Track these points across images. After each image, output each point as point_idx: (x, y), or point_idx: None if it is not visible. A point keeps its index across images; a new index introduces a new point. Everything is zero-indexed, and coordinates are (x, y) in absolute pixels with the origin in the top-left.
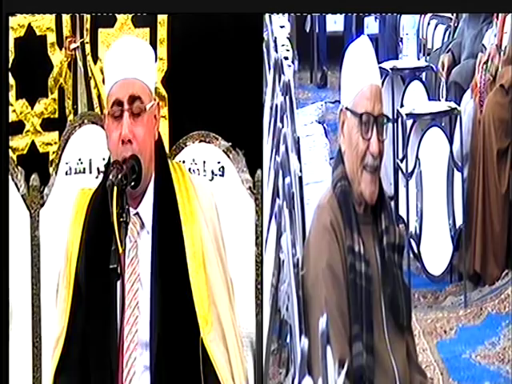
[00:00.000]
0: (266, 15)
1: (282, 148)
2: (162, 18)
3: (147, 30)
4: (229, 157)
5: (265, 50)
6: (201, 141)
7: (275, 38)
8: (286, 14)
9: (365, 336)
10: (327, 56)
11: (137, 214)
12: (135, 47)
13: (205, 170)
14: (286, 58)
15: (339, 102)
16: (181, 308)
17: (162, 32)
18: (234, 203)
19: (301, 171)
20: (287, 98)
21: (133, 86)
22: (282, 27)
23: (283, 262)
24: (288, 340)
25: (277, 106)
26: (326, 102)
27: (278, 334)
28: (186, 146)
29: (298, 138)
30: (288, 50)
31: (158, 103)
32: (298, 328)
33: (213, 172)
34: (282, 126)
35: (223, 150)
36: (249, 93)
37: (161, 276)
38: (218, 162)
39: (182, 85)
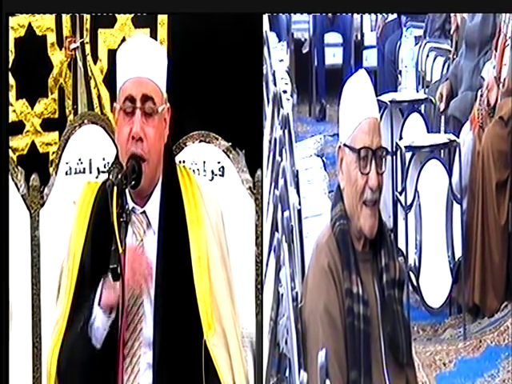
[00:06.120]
0: (265, 49)
1: (281, 181)
2: (162, 19)
3: (147, 30)
4: (229, 157)
5: (264, 83)
6: (201, 141)
7: (274, 71)
8: (285, 46)
9: (363, 380)
10: (326, 89)
11: (144, 212)
12: (151, 48)
13: (205, 170)
14: (285, 92)
15: (338, 135)
16: (184, 309)
17: (162, 32)
18: (234, 203)
19: (300, 204)
20: (286, 131)
21: (146, 86)
22: (280, 61)
23: (282, 295)
24: (287, 374)
25: (276, 139)
26: (325, 135)
27: (277, 368)
28: (186, 145)
29: (297, 171)
30: (287, 84)
31: (169, 108)
32: (296, 362)
33: (213, 172)
34: (281, 160)
35: (223, 150)
36: (249, 93)
37: (165, 276)
38: (218, 162)
39: (182, 85)
